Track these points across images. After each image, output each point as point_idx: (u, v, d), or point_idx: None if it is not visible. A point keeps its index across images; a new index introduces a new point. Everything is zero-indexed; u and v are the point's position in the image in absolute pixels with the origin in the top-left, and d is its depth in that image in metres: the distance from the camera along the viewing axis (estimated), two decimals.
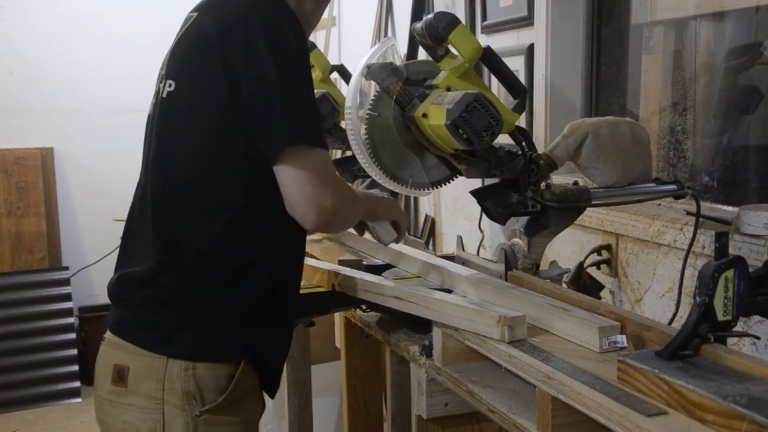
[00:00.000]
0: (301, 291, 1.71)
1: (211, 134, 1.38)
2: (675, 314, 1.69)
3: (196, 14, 1.47)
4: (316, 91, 2.50)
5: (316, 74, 2.61)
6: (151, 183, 1.46)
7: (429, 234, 3.30)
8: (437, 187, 1.82)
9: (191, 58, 1.42)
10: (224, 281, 1.39)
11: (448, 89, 1.58)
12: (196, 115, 1.39)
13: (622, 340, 1.25)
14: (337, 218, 1.41)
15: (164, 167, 1.44)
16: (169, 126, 1.44)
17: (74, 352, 4.49)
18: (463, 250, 1.94)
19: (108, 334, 1.47)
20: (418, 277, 1.79)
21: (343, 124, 2.55)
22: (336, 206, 1.38)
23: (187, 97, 1.41)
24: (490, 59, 1.62)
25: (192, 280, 1.39)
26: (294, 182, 1.36)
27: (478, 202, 1.65)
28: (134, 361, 1.39)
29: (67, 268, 4.63)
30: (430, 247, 3.21)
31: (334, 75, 2.68)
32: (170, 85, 1.45)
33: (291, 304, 1.52)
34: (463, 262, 1.86)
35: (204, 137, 1.39)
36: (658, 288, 1.93)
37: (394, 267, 1.88)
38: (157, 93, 1.50)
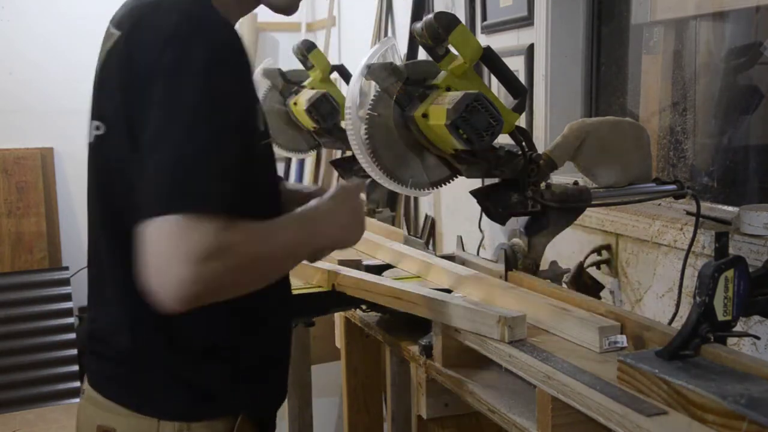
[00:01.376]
0: (301, 291, 1.71)
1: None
2: (675, 314, 1.69)
3: (118, 33, 1.20)
4: (316, 91, 2.51)
5: (316, 74, 2.61)
6: (107, 232, 1.23)
7: (429, 234, 3.30)
8: (437, 187, 1.82)
9: (112, 92, 1.18)
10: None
11: (448, 89, 1.58)
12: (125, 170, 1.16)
13: (622, 340, 1.25)
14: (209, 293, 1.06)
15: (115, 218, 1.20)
16: (103, 177, 1.24)
17: (74, 352, 4.48)
18: (463, 250, 1.94)
19: (87, 388, 1.28)
20: (418, 277, 1.79)
21: (343, 124, 2.56)
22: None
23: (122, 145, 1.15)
24: (490, 59, 1.62)
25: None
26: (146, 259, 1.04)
27: (478, 202, 1.65)
28: (121, 423, 1.22)
29: (67, 268, 4.63)
30: (430, 247, 3.21)
31: (334, 75, 2.68)
32: (97, 129, 1.21)
33: (283, 345, 1.36)
34: (463, 262, 1.85)
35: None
36: (658, 288, 1.93)
37: (395, 267, 1.88)
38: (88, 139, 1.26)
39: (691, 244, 1.67)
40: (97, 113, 1.24)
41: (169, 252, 1.02)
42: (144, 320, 1.18)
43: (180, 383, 1.22)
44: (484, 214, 1.69)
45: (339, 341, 2.03)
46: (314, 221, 1.26)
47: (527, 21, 2.50)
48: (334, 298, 1.72)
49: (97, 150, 1.23)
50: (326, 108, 2.48)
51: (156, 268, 1.02)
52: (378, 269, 1.87)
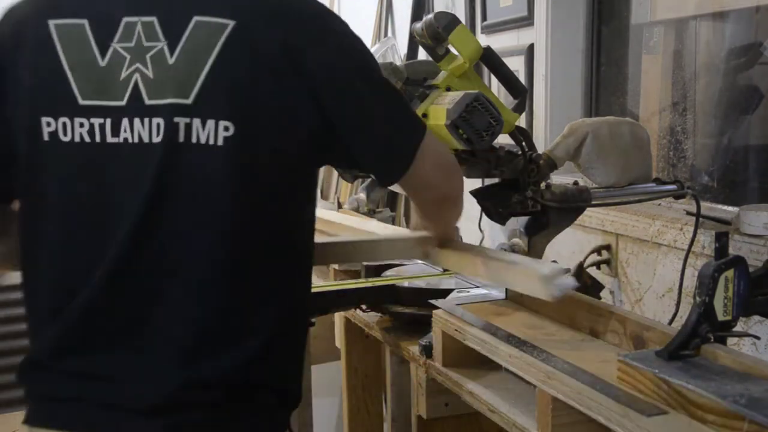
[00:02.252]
0: None
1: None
2: (675, 314, 1.69)
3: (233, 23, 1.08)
4: None
5: None
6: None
7: None
8: None
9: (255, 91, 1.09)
10: None
11: (448, 89, 1.58)
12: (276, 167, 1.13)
13: (570, 282, 1.16)
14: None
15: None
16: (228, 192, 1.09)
17: None
18: None
19: None
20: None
21: None
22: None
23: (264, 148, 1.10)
24: (490, 59, 1.62)
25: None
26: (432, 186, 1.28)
27: (478, 202, 1.65)
28: None
29: None
30: None
31: None
32: (224, 131, 1.07)
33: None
34: None
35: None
36: (658, 288, 1.93)
37: (395, 266, 1.88)
38: (145, 140, 1.09)
39: (691, 244, 1.67)
40: (217, 113, 1.07)
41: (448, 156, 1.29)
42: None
43: None
44: (484, 214, 1.69)
45: (339, 341, 2.03)
46: None
47: (527, 21, 2.50)
48: (334, 298, 1.72)
49: (226, 153, 1.07)
50: None
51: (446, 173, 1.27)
52: (377, 269, 1.87)
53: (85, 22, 1.10)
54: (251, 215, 1.11)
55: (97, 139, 1.09)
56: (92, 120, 1.09)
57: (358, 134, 1.17)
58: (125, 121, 1.08)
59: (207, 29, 1.07)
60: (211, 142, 1.07)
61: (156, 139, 1.07)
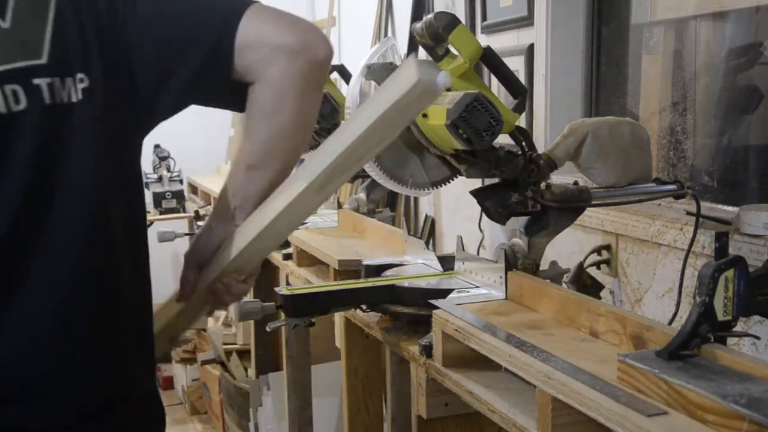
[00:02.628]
0: (301, 291, 1.71)
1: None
2: (675, 314, 1.69)
3: None
4: None
5: None
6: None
7: (429, 234, 3.30)
8: (437, 187, 1.82)
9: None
10: None
11: (448, 89, 1.58)
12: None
13: (443, 78, 1.02)
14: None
15: None
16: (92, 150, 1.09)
17: None
18: (463, 250, 1.94)
19: None
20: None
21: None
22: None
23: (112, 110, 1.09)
24: (490, 59, 1.62)
25: None
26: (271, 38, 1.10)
27: (478, 202, 1.65)
28: None
29: None
30: (430, 246, 3.21)
31: (334, 75, 2.68)
32: (75, 91, 1.05)
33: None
34: (463, 263, 1.85)
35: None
36: (658, 288, 1.93)
37: (395, 266, 1.88)
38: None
39: (691, 244, 1.67)
40: (70, 67, 1.03)
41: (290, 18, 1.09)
42: None
43: None
44: (484, 214, 1.69)
45: (339, 341, 2.03)
46: None
47: (527, 21, 2.50)
48: (334, 298, 1.72)
49: (86, 106, 1.05)
50: (326, 108, 2.48)
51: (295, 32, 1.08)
52: (377, 269, 1.87)
53: None
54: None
55: None
56: None
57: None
58: None
59: None
60: (73, 99, 1.03)
61: (17, 107, 0.99)
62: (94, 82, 1.05)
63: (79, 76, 1.04)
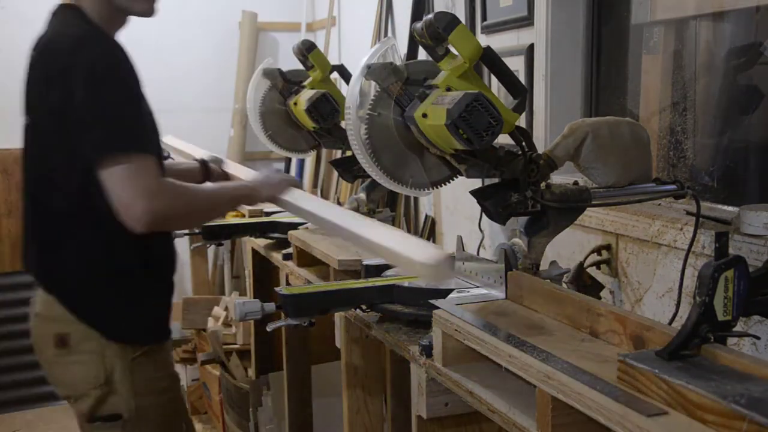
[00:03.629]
0: (302, 291, 1.71)
1: (65, 159, 1.67)
2: (675, 314, 1.69)
3: (32, 53, 1.78)
4: (316, 91, 2.51)
5: (316, 74, 2.62)
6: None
7: (429, 234, 3.30)
8: (437, 187, 1.82)
9: (35, 97, 1.77)
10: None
11: (448, 89, 1.58)
12: (52, 145, 1.72)
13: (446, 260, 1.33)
14: (167, 220, 1.61)
15: None
16: (36, 157, 1.86)
17: None
18: (463, 250, 1.94)
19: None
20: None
21: (343, 124, 2.56)
22: (155, 209, 1.56)
23: (42, 132, 1.74)
24: (490, 59, 1.62)
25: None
26: (110, 191, 1.58)
27: (478, 202, 1.65)
28: None
29: None
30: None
31: (334, 75, 2.68)
32: (25, 121, 1.78)
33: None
34: (463, 263, 1.85)
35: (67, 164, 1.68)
36: (658, 288, 1.93)
37: (395, 266, 1.88)
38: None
39: (691, 244, 1.67)
40: (24, 109, 1.78)
41: (138, 178, 1.57)
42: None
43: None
44: (484, 214, 1.69)
45: (339, 341, 2.03)
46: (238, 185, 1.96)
47: (527, 21, 2.50)
48: (334, 298, 1.72)
49: (27, 136, 1.83)
50: (326, 108, 2.47)
51: (123, 205, 1.57)
52: (377, 269, 1.87)
53: None
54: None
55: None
56: None
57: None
58: None
59: None
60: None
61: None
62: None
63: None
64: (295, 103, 2.61)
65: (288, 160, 4.80)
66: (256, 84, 2.79)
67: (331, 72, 2.65)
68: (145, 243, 1.70)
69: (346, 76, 2.66)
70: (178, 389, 1.88)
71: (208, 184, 2.03)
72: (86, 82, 1.58)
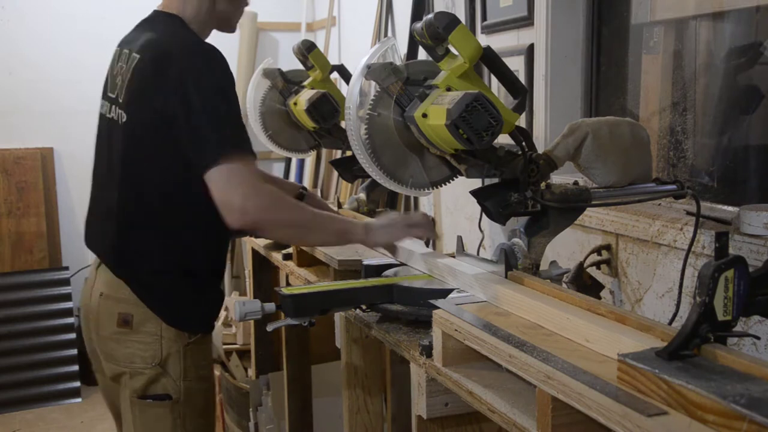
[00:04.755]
0: (302, 291, 1.71)
1: (169, 161, 1.79)
2: (675, 314, 1.70)
3: (138, 56, 1.83)
4: (316, 91, 2.51)
5: (316, 74, 2.61)
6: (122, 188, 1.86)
7: None
8: (437, 187, 1.82)
9: (141, 98, 1.80)
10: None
11: (448, 89, 1.58)
12: (154, 144, 1.79)
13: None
14: (263, 222, 1.75)
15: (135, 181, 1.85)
16: (131, 152, 1.83)
17: (74, 352, 4.49)
18: (463, 250, 1.94)
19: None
20: (430, 276, 1.78)
21: (343, 124, 2.56)
22: (256, 212, 1.72)
23: (145, 130, 1.80)
24: (490, 59, 1.62)
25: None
26: (216, 189, 1.71)
27: (478, 202, 1.65)
28: None
29: (67, 268, 4.63)
30: (430, 247, 3.21)
31: (335, 75, 2.68)
32: (123, 116, 1.84)
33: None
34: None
35: (161, 161, 1.80)
36: (658, 288, 1.93)
37: (396, 266, 1.88)
38: (110, 116, 1.92)
39: (691, 244, 1.67)
40: (125, 107, 1.85)
41: (244, 181, 1.72)
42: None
43: None
44: (484, 214, 1.69)
45: (339, 341, 2.03)
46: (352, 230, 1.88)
47: (527, 21, 2.50)
48: (334, 298, 1.72)
49: (128, 129, 1.84)
50: (326, 108, 2.47)
51: (224, 202, 1.72)
52: (377, 269, 1.87)
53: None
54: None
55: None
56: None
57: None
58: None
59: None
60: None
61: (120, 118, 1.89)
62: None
63: (120, 111, 1.89)
64: (295, 103, 2.61)
65: (288, 160, 4.80)
66: (256, 84, 2.79)
67: (331, 72, 2.65)
68: (218, 249, 1.93)
69: (346, 76, 2.66)
70: (214, 379, 2.02)
71: (321, 211, 1.99)
72: (200, 90, 1.72)
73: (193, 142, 1.72)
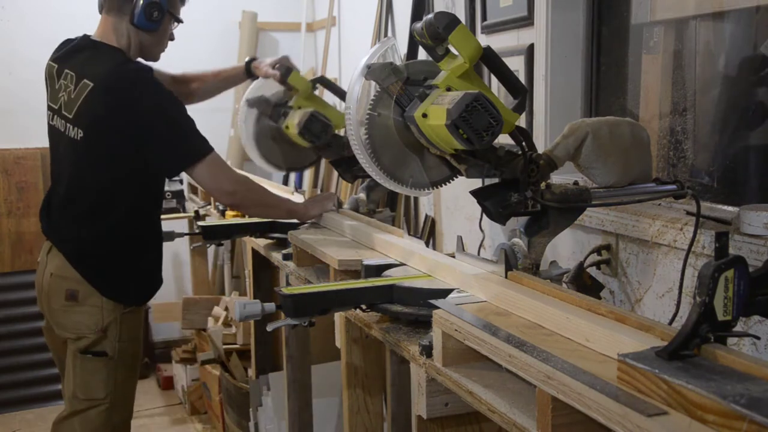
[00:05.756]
0: (302, 291, 1.71)
1: (117, 169, 2.28)
2: (675, 314, 1.69)
3: (92, 84, 2.25)
4: (303, 111, 2.56)
5: (298, 95, 2.64)
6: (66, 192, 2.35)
7: (429, 234, 3.30)
8: (437, 187, 1.82)
9: (102, 122, 2.23)
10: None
11: (448, 89, 1.58)
12: (108, 156, 2.27)
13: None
14: (244, 201, 2.41)
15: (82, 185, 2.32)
16: (83, 162, 2.29)
17: None
18: (463, 250, 1.94)
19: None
20: (429, 276, 1.78)
21: (341, 132, 2.57)
22: (242, 192, 2.37)
23: (100, 146, 2.26)
24: (490, 59, 1.62)
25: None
26: (203, 182, 2.34)
27: (478, 202, 1.65)
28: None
29: None
30: (430, 247, 3.21)
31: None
32: (79, 133, 2.26)
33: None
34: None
35: (111, 170, 2.28)
36: (658, 288, 1.93)
37: (396, 266, 1.88)
38: (62, 131, 2.32)
39: (691, 244, 1.67)
40: (77, 124, 2.28)
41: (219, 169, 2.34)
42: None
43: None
44: (484, 214, 1.69)
45: (339, 341, 2.03)
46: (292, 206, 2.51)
47: (527, 21, 2.50)
48: (334, 298, 1.72)
49: (83, 146, 2.28)
50: (317, 127, 2.52)
51: (216, 189, 2.34)
52: (377, 269, 1.87)
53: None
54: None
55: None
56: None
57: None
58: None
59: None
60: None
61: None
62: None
63: (78, 129, 2.30)
64: (287, 127, 2.64)
65: None
66: (245, 116, 2.80)
67: (313, 88, 2.67)
68: (147, 238, 2.42)
69: (328, 85, 2.70)
70: (141, 340, 2.51)
71: (276, 192, 2.68)
72: (162, 113, 2.24)
73: (170, 153, 2.27)
